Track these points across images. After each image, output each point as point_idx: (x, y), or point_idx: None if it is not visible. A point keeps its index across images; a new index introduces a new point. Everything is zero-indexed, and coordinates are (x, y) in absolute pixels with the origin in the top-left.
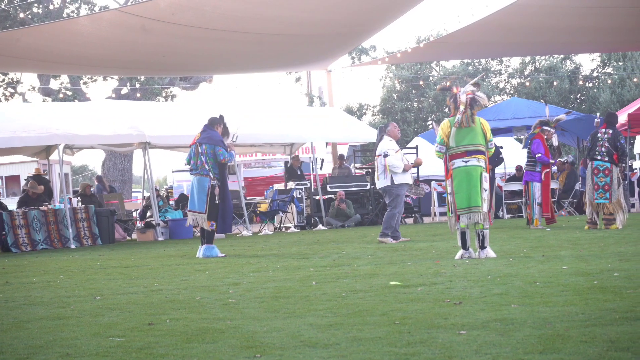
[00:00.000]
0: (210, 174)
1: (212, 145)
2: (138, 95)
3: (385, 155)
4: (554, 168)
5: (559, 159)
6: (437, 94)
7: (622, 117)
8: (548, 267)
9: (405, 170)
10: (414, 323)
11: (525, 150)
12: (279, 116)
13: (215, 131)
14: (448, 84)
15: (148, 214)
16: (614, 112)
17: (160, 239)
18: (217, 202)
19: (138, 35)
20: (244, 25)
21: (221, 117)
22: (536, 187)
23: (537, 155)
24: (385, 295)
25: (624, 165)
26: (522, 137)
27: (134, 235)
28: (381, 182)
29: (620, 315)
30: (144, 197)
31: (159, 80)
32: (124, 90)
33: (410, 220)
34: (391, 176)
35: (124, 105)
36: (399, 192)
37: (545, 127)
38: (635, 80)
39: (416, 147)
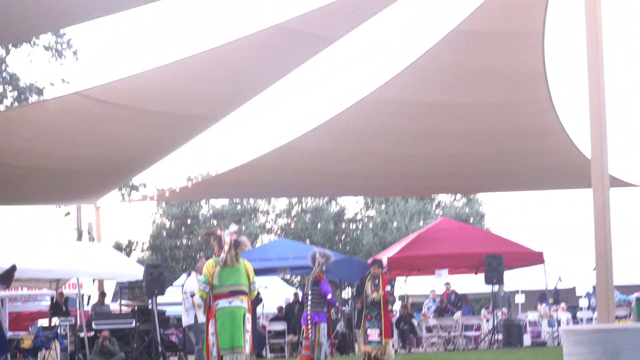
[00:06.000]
0: None
1: None
2: None
3: (192, 295)
4: None
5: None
6: (206, 231)
7: (383, 261)
8: None
9: None
10: None
11: (309, 293)
12: (45, 250)
13: None
14: (214, 225)
15: None
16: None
17: None
18: None
19: None
20: (10, 160)
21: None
22: (325, 328)
23: (328, 296)
24: None
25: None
26: (287, 277)
27: None
28: (186, 320)
29: None
30: None
31: None
32: None
33: (174, 359)
34: (195, 314)
35: None
36: (204, 329)
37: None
38: (395, 224)
39: (182, 286)
